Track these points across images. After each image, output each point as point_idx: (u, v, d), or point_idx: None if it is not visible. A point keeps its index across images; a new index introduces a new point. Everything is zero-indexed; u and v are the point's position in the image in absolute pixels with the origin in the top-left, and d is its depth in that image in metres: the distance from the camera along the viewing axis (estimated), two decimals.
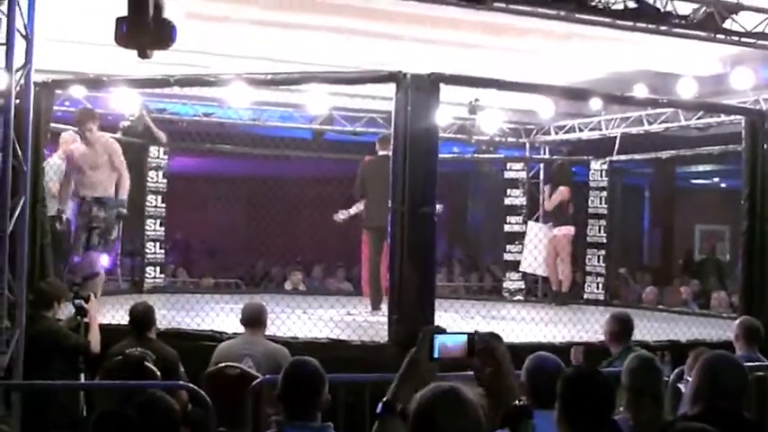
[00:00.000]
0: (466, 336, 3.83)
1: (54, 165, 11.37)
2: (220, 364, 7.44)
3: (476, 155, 16.97)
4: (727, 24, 9.77)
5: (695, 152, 14.72)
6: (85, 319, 8.10)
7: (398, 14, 11.14)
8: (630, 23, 9.56)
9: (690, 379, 5.14)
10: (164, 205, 14.23)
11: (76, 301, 8.14)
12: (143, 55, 7.33)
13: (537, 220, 15.33)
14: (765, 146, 10.60)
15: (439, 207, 9.43)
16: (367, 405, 6.10)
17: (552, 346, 8.92)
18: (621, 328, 7.62)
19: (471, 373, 3.88)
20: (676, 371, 6.79)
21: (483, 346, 3.82)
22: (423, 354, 3.80)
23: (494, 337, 3.88)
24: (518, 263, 15.44)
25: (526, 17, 9.65)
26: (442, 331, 3.87)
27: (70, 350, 7.86)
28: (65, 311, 8.44)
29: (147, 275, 14.04)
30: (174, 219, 14.62)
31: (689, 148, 14.72)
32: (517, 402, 3.76)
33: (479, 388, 3.79)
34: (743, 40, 10.04)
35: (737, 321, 7.97)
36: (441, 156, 9.26)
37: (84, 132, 10.81)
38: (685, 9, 9.56)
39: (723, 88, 13.56)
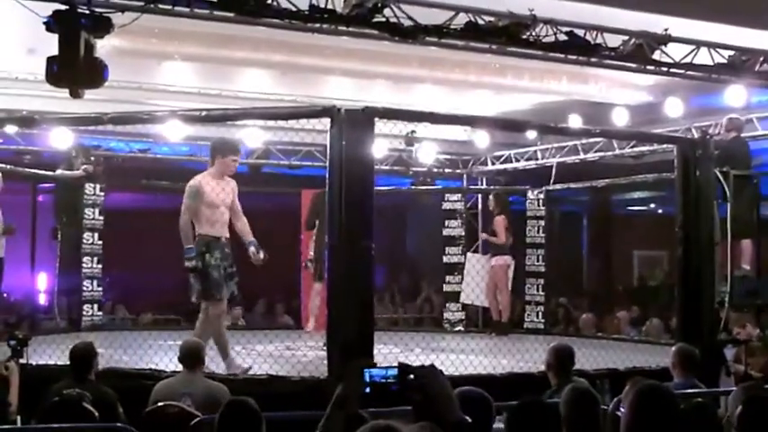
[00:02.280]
0: (396, 369, 3.79)
1: None
2: (159, 403, 7.35)
3: (413, 186, 17.01)
4: (657, 55, 9.91)
5: (630, 180, 14.88)
6: (21, 360, 7.94)
7: (333, 49, 11.18)
8: (562, 56, 9.65)
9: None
10: (100, 242, 14.11)
11: (11, 342, 7.99)
12: (75, 94, 7.28)
13: (476, 251, 15.38)
14: (698, 173, 10.73)
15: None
16: None
17: (492, 378, 8.98)
18: (561, 360, 7.64)
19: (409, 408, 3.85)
20: (615, 400, 6.81)
21: (413, 381, 3.78)
22: (352, 389, 3.78)
23: (426, 369, 3.84)
24: (458, 293, 15.49)
25: (460, 51, 9.69)
26: (372, 365, 3.83)
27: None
28: None
29: (84, 313, 13.88)
30: (111, 255, 14.47)
31: (624, 176, 14.88)
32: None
33: (417, 423, 3.76)
34: (672, 70, 10.19)
35: (673, 349, 8.03)
36: (378, 188, 9.26)
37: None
38: (615, 41, 9.69)
39: (655, 116, 13.78)
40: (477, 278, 14.79)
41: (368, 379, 3.74)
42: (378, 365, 3.82)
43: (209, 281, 9.47)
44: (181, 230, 9.54)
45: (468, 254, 15.38)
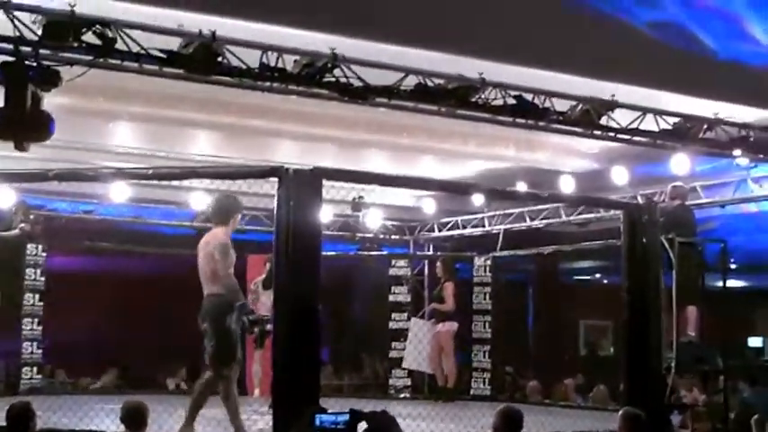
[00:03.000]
0: (346, 415, 3.75)
1: None
2: None
3: (360, 252, 16.97)
4: (604, 121, 10.01)
5: (576, 247, 14.96)
6: None
7: (281, 112, 11.20)
8: (510, 119, 9.71)
9: None
10: (41, 303, 13.91)
11: None
12: (20, 147, 7.18)
13: (422, 317, 15.32)
14: (644, 239, 10.79)
15: None
16: None
17: None
18: (509, 423, 7.56)
19: None
20: None
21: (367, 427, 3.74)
22: None
23: (378, 415, 3.79)
24: (402, 359, 15.41)
25: (409, 113, 9.72)
26: (323, 411, 3.79)
27: None
28: None
29: (23, 376, 13.62)
30: (53, 317, 14.25)
31: (570, 244, 14.96)
32: None
33: None
34: (618, 136, 10.29)
35: (619, 413, 7.98)
36: (324, 253, 9.20)
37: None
38: (563, 106, 9.77)
39: (601, 184, 13.89)
40: (421, 344, 14.70)
41: (318, 424, 3.69)
42: (327, 411, 3.77)
43: (231, 343, 9.21)
44: (232, 289, 9.31)
45: (413, 319, 15.32)
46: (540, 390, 15.35)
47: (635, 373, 10.65)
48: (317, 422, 3.69)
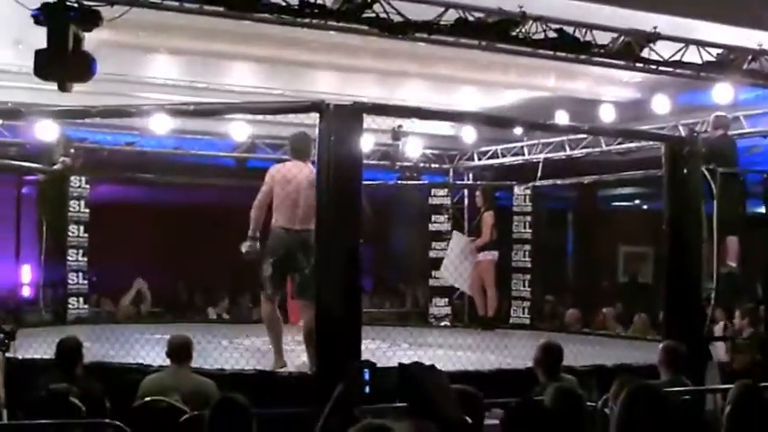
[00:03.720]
0: (396, 369, 3.79)
1: None
2: (147, 398, 7.34)
3: (399, 181, 17.00)
4: (645, 53, 9.92)
5: (617, 177, 14.91)
6: (7, 354, 7.89)
7: (320, 43, 11.16)
8: (551, 53, 9.66)
9: (614, 407, 5.18)
10: (86, 235, 14.08)
11: None
12: (63, 88, 7.25)
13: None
14: (685, 170, 10.75)
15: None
16: None
17: (480, 374, 8.98)
18: (549, 358, 7.65)
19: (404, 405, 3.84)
20: (603, 397, 6.83)
21: (411, 381, 3.78)
22: (351, 389, 3.77)
23: (424, 370, 3.84)
24: (444, 288, 15.52)
25: (448, 46, 9.69)
26: (372, 365, 3.83)
27: None
28: None
29: (70, 306, 13.84)
30: (97, 247, 14.44)
31: (611, 173, 14.90)
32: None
33: (414, 421, 3.75)
34: (660, 68, 10.20)
35: (660, 346, 8.04)
36: (364, 183, 9.24)
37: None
38: (604, 38, 9.70)
39: (642, 113, 13.79)
40: (458, 259, 14.78)
41: (367, 378, 3.74)
42: (376, 365, 3.82)
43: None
44: None
45: (455, 232, 15.40)
46: (579, 318, 15.39)
47: (675, 304, 10.67)
48: (366, 377, 3.73)
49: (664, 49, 10.06)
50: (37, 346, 9.28)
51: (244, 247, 9.40)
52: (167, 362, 7.82)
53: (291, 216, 9.27)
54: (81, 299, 14.09)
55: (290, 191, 9.30)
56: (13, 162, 13.61)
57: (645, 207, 21.75)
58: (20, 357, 8.36)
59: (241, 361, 9.20)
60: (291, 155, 9.75)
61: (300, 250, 9.24)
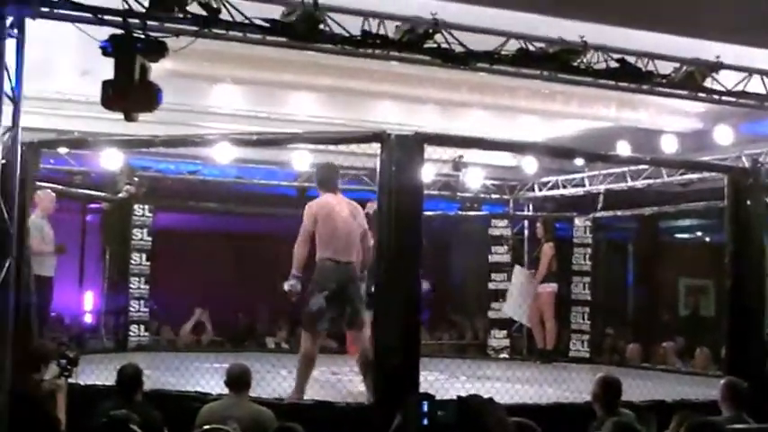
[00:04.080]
0: (454, 401, 3.78)
1: (35, 223, 11.30)
2: (205, 427, 7.36)
3: (460, 212, 16.98)
4: (708, 83, 9.84)
5: (678, 208, 14.78)
6: (70, 379, 7.98)
7: (382, 73, 11.23)
8: (613, 83, 9.62)
9: None
10: (148, 263, 14.23)
11: (62, 361, 8.03)
12: (129, 118, 7.36)
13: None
14: (748, 202, 10.64)
15: (426, 285, 9.44)
16: None
17: (538, 407, 8.91)
18: (608, 392, 7.57)
19: None
20: None
21: (470, 414, 3.77)
22: (409, 421, 3.77)
23: (483, 404, 3.83)
24: (503, 321, 15.48)
25: (510, 76, 9.69)
26: (430, 398, 3.82)
27: (50, 421, 7.73)
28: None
29: (131, 333, 13.98)
30: (158, 275, 14.59)
31: (672, 204, 14.79)
32: None
33: None
34: (723, 98, 10.11)
35: (722, 382, 7.91)
36: (425, 213, 9.26)
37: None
38: (666, 68, 9.64)
39: (704, 144, 13.67)
40: (521, 293, 14.76)
41: (425, 410, 3.73)
42: (435, 398, 3.81)
43: None
44: None
45: (516, 266, 15.36)
46: (639, 352, 15.25)
47: (737, 339, 10.55)
48: (425, 409, 3.72)
49: (727, 79, 9.96)
50: (98, 373, 9.40)
51: (287, 286, 9.32)
52: (226, 390, 7.86)
53: (339, 248, 9.32)
54: (142, 326, 14.23)
55: (335, 225, 9.34)
56: (78, 190, 13.81)
57: (707, 239, 21.50)
58: (81, 383, 8.45)
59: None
60: (320, 187, 9.81)
61: (351, 282, 9.33)
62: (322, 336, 9.53)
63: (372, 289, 12.39)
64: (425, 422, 3.72)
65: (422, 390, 8.61)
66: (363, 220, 9.65)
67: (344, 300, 9.31)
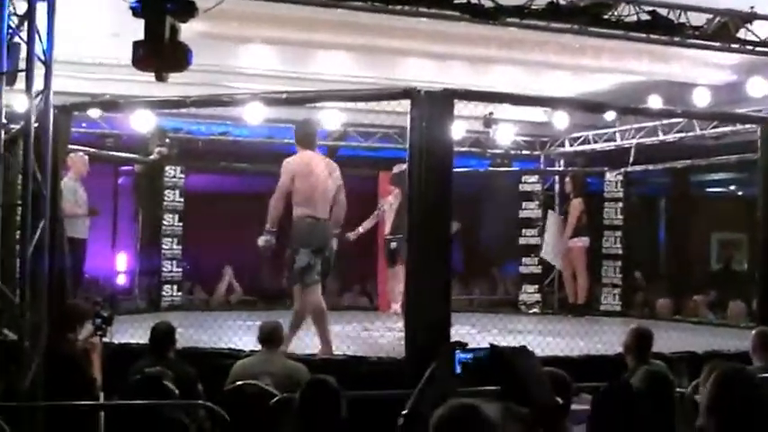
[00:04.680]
0: (487, 351, 3.81)
1: (68, 186, 11.38)
2: (238, 382, 7.45)
3: (491, 167, 16.96)
4: (741, 34, 9.76)
5: (711, 162, 14.71)
6: (104, 339, 8.07)
7: (411, 31, 11.20)
8: (644, 35, 9.56)
9: (705, 392, 5.12)
10: (180, 224, 14.33)
11: (97, 321, 8.11)
12: (160, 78, 7.40)
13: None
14: None
15: (455, 225, 9.48)
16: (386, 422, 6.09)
17: (569, 359, 8.95)
18: (640, 343, 7.58)
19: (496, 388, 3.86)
20: (693, 383, 6.76)
21: (503, 363, 3.80)
22: (443, 369, 3.80)
23: (515, 352, 3.86)
24: (535, 275, 15.56)
25: (539, 31, 9.65)
26: (463, 346, 3.85)
27: (86, 380, 7.84)
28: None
29: (164, 294, 14.10)
30: (191, 236, 14.68)
31: (704, 158, 14.71)
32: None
33: (504, 403, 3.76)
34: (757, 49, 10.02)
35: (753, 332, 7.89)
36: (455, 170, 9.27)
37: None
38: (699, 20, 9.57)
39: (738, 97, 13.55)
40: (555, 237, 14.89)
41: (459, 359, 3.76)
42: (468, 345, 3.84)
43: None
44: None
45: (550, 211, 15.42)
46: (670, 306, 15.24)
47: None
48: (459, 357, 3.75)
49: (761, 29, 9.87)
50: (132, 332, 9.52)
51: (261, 241, 9.58)
52: (258, 347, 7.93)
53: (318, 206, 9.50)
54: (175, 286, 14.34)
55: (313, 182, 9.50)
56: (110, 153, 13.90)
57: (740, 193, 21.37)
58: (116, 342, 8.55)
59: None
60: (298, 144, 9.95)
61: (328, 238, 9.60)
62: (318, 285, 9.58)
63: (393, 246, 12.72)
64: (458, 370, 3.75)
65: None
66: (338, 177, 9.79)
67: (323, 255, 9.50)
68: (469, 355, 3.78)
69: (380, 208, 13.92)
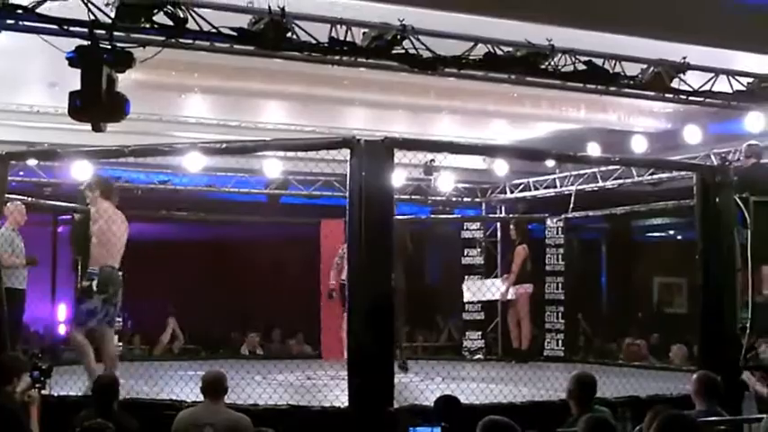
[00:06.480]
0: (439, 427, 3.82)
1: (6, 236, 11.26)
2: None
3: (432, 215, 17.03)
4: (675, 83, 9.92)
5: (649, 207, 14.88)
6: (43, 391, 7.94)
7: (351, 80, 11.25)
8: (581, 85, 9.68)
9: None
10: (120, 273, 14.15)
11: (35, 373, 7.99)
12: (97, 128, 7.35)
13: (496, 277, 15.51)
14: (717, 199, 10.71)
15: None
16: None
17: (513, 406, 8.95)
18: (582, 389, 7.61)
19: None
20: (637, 429, 6.79)
21: None
22: None
23: None
24: (478, 321, 15.60)
25: (478, 81, 9.73)
26: (417, 424, 3.85)
27: None
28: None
29: None
30: (130, 285, 14.53)
31: (643, 203, 14.86)
32: None
33: None
34: (691, 98, 10.19)
35: (695, 376, 7.95)
36: (397, 217, 9.30)
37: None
38: (633, 69, 9.71)
39: (674, 143, 13.77)
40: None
41: None
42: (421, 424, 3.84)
43: None
44: None
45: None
46: (613, 350, 15.34)
47: (710, 334, 10.63)
48: None
49: (694, 79, 10.05)
50: (72, 384, 9.38)
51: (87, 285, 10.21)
52: (201, 398, 7.86)
53: (116, 256, 10.33)
54: (116, 336, 14.14)
55: (114, 235, 10.30)
56: (48, 202, 13.75)
57: (679, 237, 21.63)
58: (55, 395, 8.43)
59: (274, 396, 9.24)
60: (101, 195, 10.54)
61: (120, 286, 10.41)
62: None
63: None
64: None
65: (397, 392, 8.69)
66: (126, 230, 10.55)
67: (112, 302, 10.23)
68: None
69: (341, 255, 13.88)
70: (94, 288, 10.07)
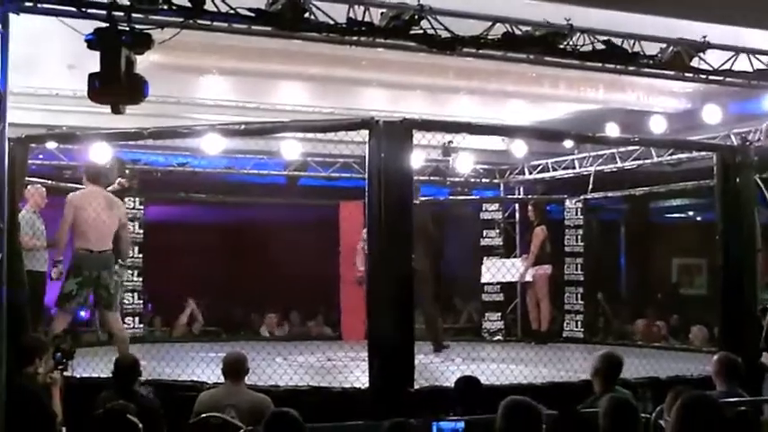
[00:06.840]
0: (463, 422, 3.82)
1: (26, 218, 11.31)
2: (203, 415, 7.39)
3: (450, 197, 17.01)
4: (695, 63, 9.85)
5: (669, 188, 14.82)
6: (65, 372, 7.99)
7: (369, 61, 11.23)
8: (599, 64, 9.63)
9: (668, 419, 5.15)
10: (140, 255, 14.25)
11: (57, 355, 8.04)
12: (116, 110, 7.36)
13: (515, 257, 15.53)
14: (737, 180, 10.68)
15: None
16: None
17: (533, 387, 8.96)
18: (609, 368, 7.62)
19: None
20: (657, 409, 6.79)
21: None
22: None
23: None
24: (497, 303, 15.60)
25: (497, 61, 9.69)
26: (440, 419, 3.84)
27: (47, 415, 7.76)
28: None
29: (125, 325, 13.95)
30: (151, 268, 14.61)
31: (662, 184, 14.81)
32: None
33: None
34: (710, 77, 10.13)
35: (715, 358, 7.95)
36: (420, 199, 9.30)
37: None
38: (653, 49, 9.65)
39: (693, 123, 13.69)
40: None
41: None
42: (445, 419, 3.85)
43: None
44: None
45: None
46: (634, 331, 15.32)
47: (729, 315, 10.62)
48: (434, 430, 3.77)
49: (714, 58, 9.98)
50: (94, 365, 9.42)
51: (54, 273, 10.77)
52: (222, 379, 7.88)
53: (92, 239, 10.36)
54: (136, 318, 14.24)
55: (89, 217, 10.37)
56: (68, 185, 13.77)
57: (698, 218, 21.55)
58: (77, 376, 8.48)
59: (295, 377, 9.27)
60: (88, 180, 10.87)
61: (104, 268, 10.35)
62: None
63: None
64: None
65: (417, 373, 8.70)
66: (123, 214, 11.10)
67: (98, 284, 10.30)
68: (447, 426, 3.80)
69: (365, 239, 13.86)
70: (62, 272, 10.51)
